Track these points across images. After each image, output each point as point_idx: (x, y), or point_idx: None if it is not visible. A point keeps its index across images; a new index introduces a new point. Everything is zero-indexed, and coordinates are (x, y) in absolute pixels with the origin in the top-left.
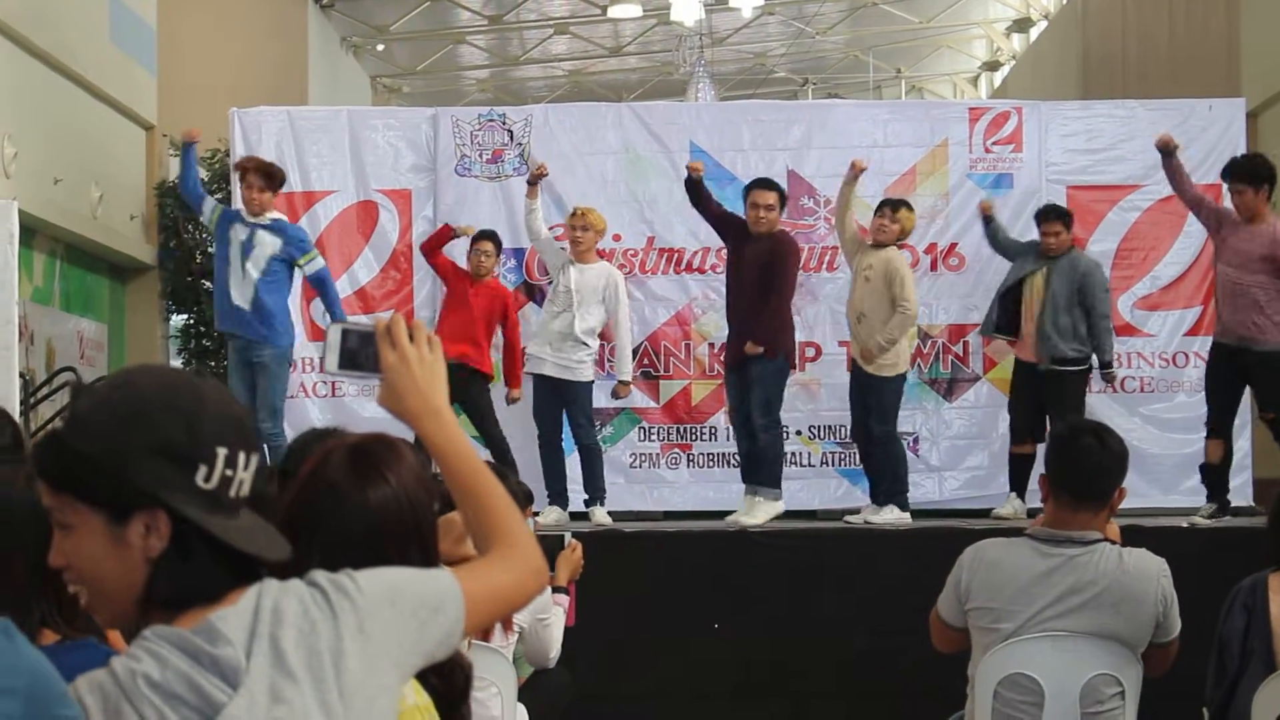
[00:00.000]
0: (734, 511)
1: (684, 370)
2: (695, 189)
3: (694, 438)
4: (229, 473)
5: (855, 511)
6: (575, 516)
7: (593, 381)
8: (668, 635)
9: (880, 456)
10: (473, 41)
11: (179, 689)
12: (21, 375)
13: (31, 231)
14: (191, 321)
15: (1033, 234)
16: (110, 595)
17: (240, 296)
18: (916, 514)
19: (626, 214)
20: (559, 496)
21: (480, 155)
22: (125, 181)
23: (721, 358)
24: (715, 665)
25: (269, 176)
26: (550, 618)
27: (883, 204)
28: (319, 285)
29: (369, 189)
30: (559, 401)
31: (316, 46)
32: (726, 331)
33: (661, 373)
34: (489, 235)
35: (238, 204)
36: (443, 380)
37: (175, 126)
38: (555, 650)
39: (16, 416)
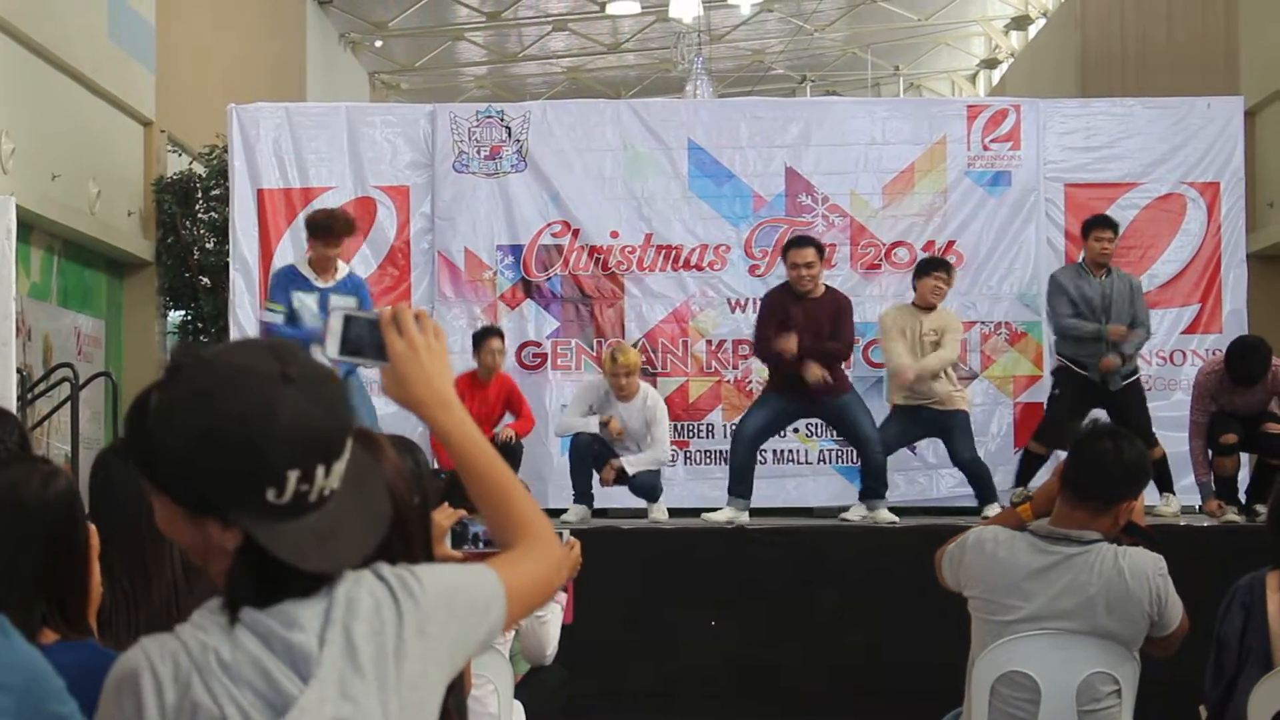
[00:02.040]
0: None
1: (681, 368)
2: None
3: (691, 435)
4: (304, 488)
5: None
6: (596, 514)
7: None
8: (664, 633)
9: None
10: (471, 38)
11: (248, 673)
12: (19, 371)
13: (29, 227)
14: (189, 317)
15: (1029, 230)
16: (206, 562)
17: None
18: (914, 511)
19: (624, 211)
20: (584, 496)
21: (478, 151)
22: (123, 177)
23: (718, 355)
24: (712, 663)
25: (335, 232)
26: (547, 615)
27: (932, 263)
28: None
29: (367, 185)
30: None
31: (315, 43)
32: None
33: (659, 370)
34: (498, 332)
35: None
36: (449, 371)
37: (173, 122)
38: (552, 648)
39: (14, 412)
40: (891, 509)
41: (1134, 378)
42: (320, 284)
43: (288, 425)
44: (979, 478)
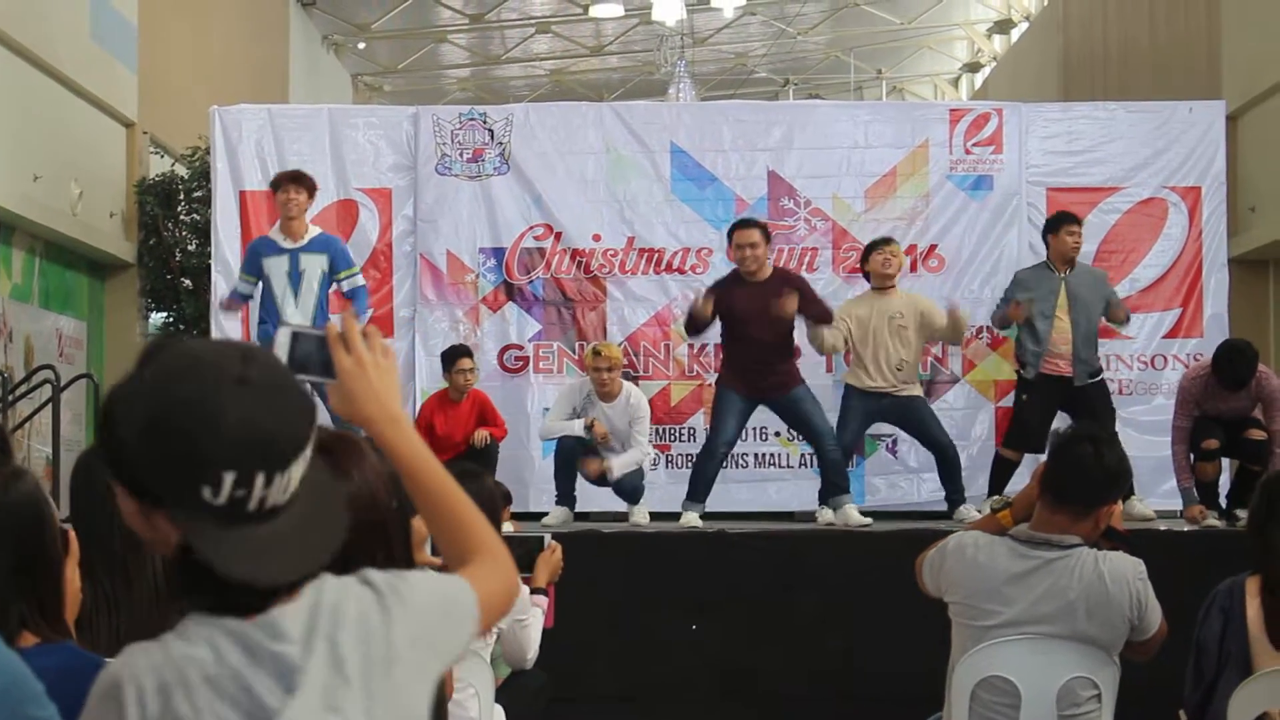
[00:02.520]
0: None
1: (663, 371)
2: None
3: (673, 439)
4: (240, 493)
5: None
6: (578, 517)
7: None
8: (645, 636)
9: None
10: (454, 40)
11: (231, 687)
12: (0, 373)
13: (11, 228)
14: (171, 319)
15: (1011, 234)
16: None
17: None
18: (896, 516)
19: (607, 214)
20: (566, 498)
21: (461, 154)
22: (105, 179)
23: (700, 358)
24: (693, 666)
25: (303, 182)
26: (528, 619)
27: (877, 243)
28: (353, 302)
29: (349, 187)
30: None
31: (298, 44)
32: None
33: (641, 373)
34: (466, 351)
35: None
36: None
37: (155, 124)
38: (533, 651)
39: None
40: (873, 513)
41: (1098, 378)
42: (288, 245)
43: (231, 424)
44: (952, 464)
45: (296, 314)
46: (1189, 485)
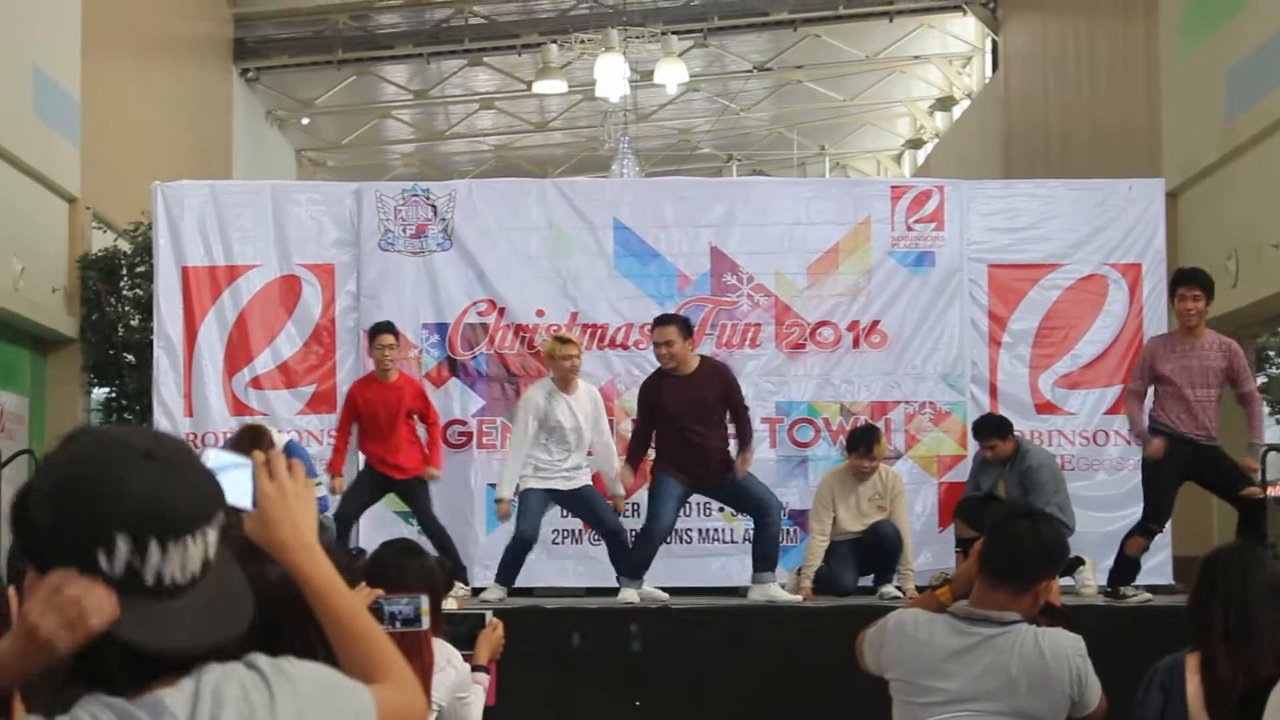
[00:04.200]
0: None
1: None
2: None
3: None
4: (134, 560)
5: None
6: (519, 592)
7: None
8: (588, 713)
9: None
10: (398, 116)
11: None
12: None
13: None
14: (113, 395)
15: (954, 310)
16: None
17: None
18: (841, 593)
19: (549, 290)
20: (506, 580)
21: (404, 230)
22: (47, 253)
23: None
24: None
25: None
26: (470, 696)
27: (857, 443)
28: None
29: (292, 263)
30: (559, 504)
31: (241, 119)
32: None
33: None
34: (389, 327)
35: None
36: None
37: (98, 199)
38: None
39: None
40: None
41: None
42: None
43: (130, 491)
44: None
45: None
46: (1143, 429)
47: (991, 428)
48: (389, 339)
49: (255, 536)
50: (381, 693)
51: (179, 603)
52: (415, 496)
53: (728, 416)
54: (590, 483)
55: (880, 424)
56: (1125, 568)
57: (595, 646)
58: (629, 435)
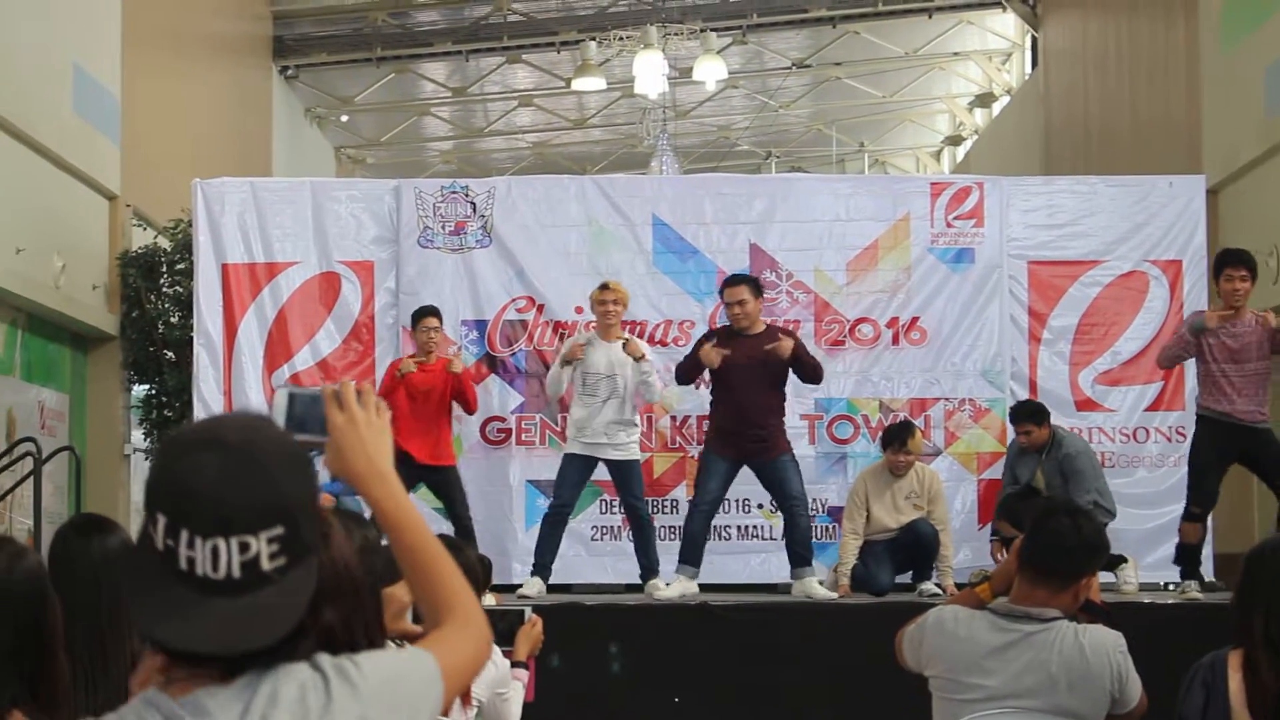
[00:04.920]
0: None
1: (646, 443)
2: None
3: (656, 510)
4: (169, 542)
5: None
6: (553, 589)
7: (639, 460)
8: (629, 710)
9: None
10: (436, 113)
11: None
12: None
13: None
14: (154, 391)
15: (993, 307)
16: None
17: None
18: (876, 593)
19: (589, 287)
20: (543, 569)
21: (443, 227)
22: (88, 251)
23: (682, 430)
24: None
25: None
26: (509, 692)
27: (894, 433)
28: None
29: (331, 260)
30: (591, 478)
31: (281, 117)
32: (710, 420)
33: None
34: (434, 311)
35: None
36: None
37: (138, 196)
38: None
39: None
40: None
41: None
42: None
43: (201, 479)
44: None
45: None
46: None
47: (1028, 413)
48: (434, 321)
49: (330, 468)
50: (444, 646)
51: (216, 603)
52: (450, 487)
53: (785, 385)
54: (639, 458)
55: (920, 421)
56: (1187, 558)
57: (635, 643)
58: (664, 430)
